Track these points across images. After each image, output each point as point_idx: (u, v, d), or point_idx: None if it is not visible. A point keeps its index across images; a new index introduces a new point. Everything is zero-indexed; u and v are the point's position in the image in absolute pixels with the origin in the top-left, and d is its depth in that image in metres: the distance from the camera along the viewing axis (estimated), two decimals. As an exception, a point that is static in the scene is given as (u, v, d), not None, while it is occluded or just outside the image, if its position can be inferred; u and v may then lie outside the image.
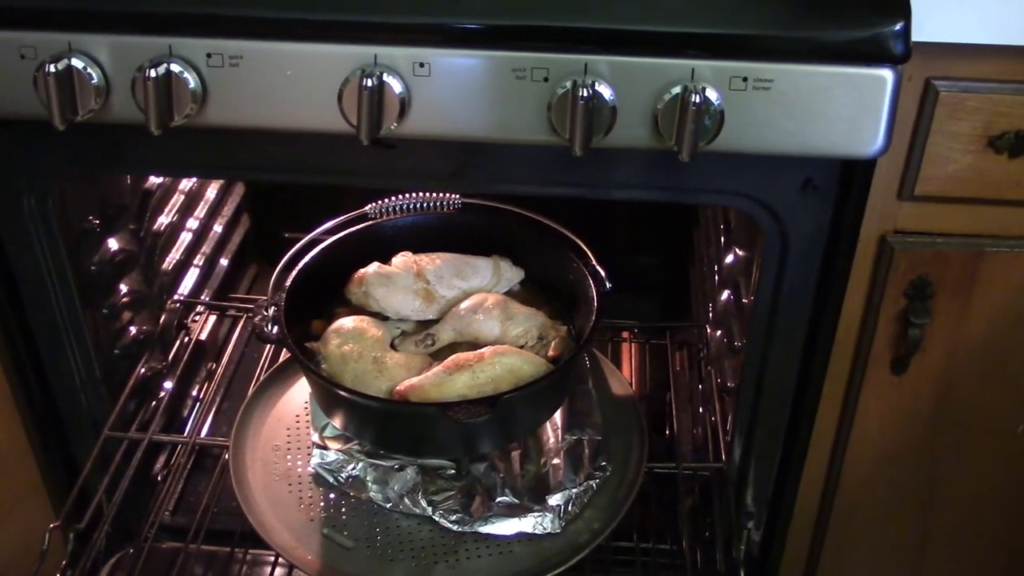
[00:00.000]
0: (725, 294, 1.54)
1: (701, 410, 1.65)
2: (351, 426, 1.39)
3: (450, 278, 1.52)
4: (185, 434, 1.62)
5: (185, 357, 1.73)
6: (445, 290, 1.52)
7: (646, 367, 1.78)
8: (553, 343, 1.44)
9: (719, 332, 1.60)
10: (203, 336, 1.79)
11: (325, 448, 1.46)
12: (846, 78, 1.05)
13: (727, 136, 1.07)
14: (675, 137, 1.06)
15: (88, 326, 1.42)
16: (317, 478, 1.43)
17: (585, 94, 1.03)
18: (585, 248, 1.51)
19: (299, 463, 1.47)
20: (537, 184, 1.22)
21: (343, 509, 1.41)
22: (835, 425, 1.44)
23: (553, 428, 1.49)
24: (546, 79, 1.07)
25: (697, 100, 1.02)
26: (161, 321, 1.69)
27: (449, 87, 1.08)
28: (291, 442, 1.50)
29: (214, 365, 1.82)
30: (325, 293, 1.53)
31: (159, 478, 1.63)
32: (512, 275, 1.57)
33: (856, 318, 1.33)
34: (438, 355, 1.45)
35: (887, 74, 1.04)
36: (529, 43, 1.06)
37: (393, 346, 1.45)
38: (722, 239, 1.61)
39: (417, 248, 1.56)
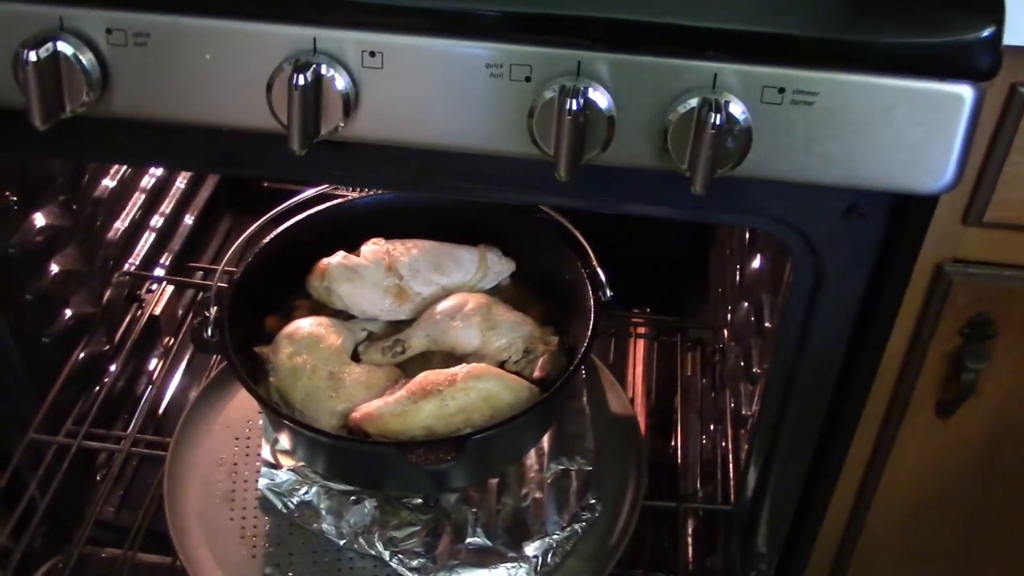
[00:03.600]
0: (745, 305, 1.33)
1: (712, 426, 1.45)
2: (300, 451, 1.20)
3: (427, 272, 1.31)
4: (129, 429, 1.43)
5: (135, 335, 1.54)
6: (421, 286, 1.31)
7: (652, 366, 1.58)
8: (540, 360, 1.24)
9: (735, 344, 1.39)
10: (158, 310, 1.59)
11: (276, 466, 1.27)
12: (911, 94, 0.81)
13: (754, 160, 0.85)
14: (687, 161, 0.84)
15: (7, 315, 1.23)
16: (264, 503, 1.25)
17: (575, 106, 0.81)
18: (584, 243, 1.30)
19: (245, 483, 1.28)
20: (519, 192, 1.01)
21: (290, 543, 1.23)
22: (863, 466, 1.24)
23: (538, 453, 1.29)
24: (528, 79, 0.84)
25: (718, 120, 0.79)
26: (106, 297, 1.49)
27: (406, 83, 0.86)
28: (238, 455, 1.31)
29: (172, 341, 1.63)
30: (284, 282, 1.33)
31: (99, 477, 1.45)
32: (500, 268, 1.36)
33: (899, 353, 1.11)
34: (410, 364, 1.26)
35: (966, 91, 0.81)
36: (508, 33, 0.84)
37: (357, 352, 1.26)
38: (746, 234, 1.39)
39: (393, 231, 1.35)
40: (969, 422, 1.16)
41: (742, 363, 1.29)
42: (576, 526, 1.21)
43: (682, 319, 1.62)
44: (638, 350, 1.60)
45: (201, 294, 1.62)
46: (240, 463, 1.30)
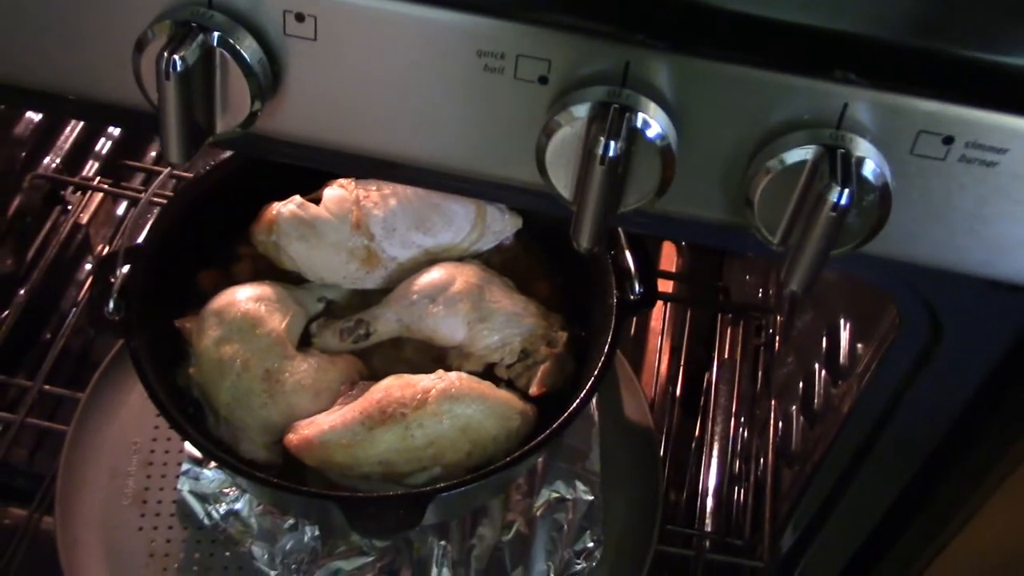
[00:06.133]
0: (811, 317, 1.03)
1: (745, 433, 1.18)
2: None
3: (406, 231, 1.01)
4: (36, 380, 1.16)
5: (54, 249, 1.26)
6: (397, 249, 1.01)
7: (683, 336, 1.29)
8: (541, 368, 0.96)
9: (790, 350, 1.10)
10: (85, 218, 1.30)
11: (202, 461, 1.02)
12: None
13: (887, 239, 0.54)
14: (780, 237, 0.53)
15: None
16: (183, 509, 1.00)
17: (612, 150, 0.50)
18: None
19: (162, 478, 1.03)
20: (531, 198, 0.70)
21: (210, 568, 0.98)
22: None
23: (526, 474, 1.03)
24: (543, 79, 0.53)
25: (844, 199, 0.49)
26: (14, 206, 1.20)
27: (351, 66, 0.55)
28: (158, 440, 1.05)
29: (106, 250, 1.35)
30: (224, 223, 1.04)
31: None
32: (503, 226, 1.06)
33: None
34: (376, 350, 0.98)
35: None
36: (517, 5, 0.52)
37: (309, 333, 0.98)
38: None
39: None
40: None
41: (800, 386, 1.01)
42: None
43: (721, 279, 1.32)
44: (666, 316, 1.32)
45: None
46: (159, 450, 1.04)
